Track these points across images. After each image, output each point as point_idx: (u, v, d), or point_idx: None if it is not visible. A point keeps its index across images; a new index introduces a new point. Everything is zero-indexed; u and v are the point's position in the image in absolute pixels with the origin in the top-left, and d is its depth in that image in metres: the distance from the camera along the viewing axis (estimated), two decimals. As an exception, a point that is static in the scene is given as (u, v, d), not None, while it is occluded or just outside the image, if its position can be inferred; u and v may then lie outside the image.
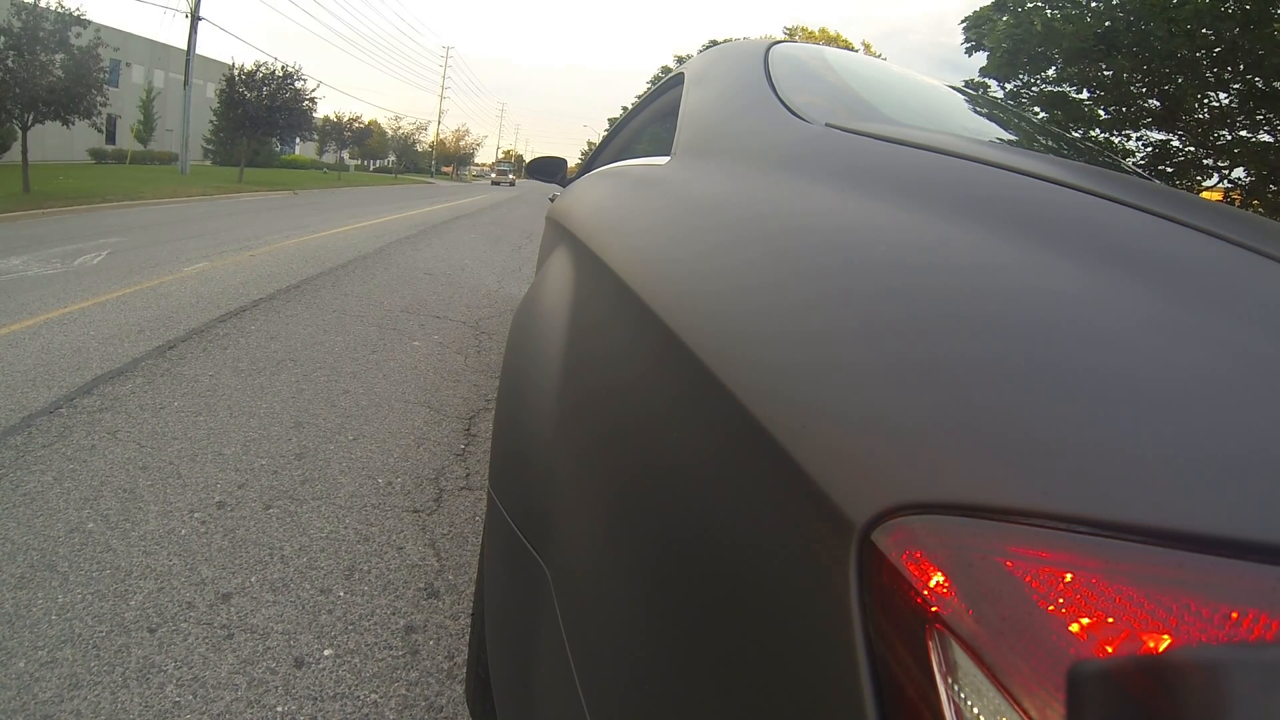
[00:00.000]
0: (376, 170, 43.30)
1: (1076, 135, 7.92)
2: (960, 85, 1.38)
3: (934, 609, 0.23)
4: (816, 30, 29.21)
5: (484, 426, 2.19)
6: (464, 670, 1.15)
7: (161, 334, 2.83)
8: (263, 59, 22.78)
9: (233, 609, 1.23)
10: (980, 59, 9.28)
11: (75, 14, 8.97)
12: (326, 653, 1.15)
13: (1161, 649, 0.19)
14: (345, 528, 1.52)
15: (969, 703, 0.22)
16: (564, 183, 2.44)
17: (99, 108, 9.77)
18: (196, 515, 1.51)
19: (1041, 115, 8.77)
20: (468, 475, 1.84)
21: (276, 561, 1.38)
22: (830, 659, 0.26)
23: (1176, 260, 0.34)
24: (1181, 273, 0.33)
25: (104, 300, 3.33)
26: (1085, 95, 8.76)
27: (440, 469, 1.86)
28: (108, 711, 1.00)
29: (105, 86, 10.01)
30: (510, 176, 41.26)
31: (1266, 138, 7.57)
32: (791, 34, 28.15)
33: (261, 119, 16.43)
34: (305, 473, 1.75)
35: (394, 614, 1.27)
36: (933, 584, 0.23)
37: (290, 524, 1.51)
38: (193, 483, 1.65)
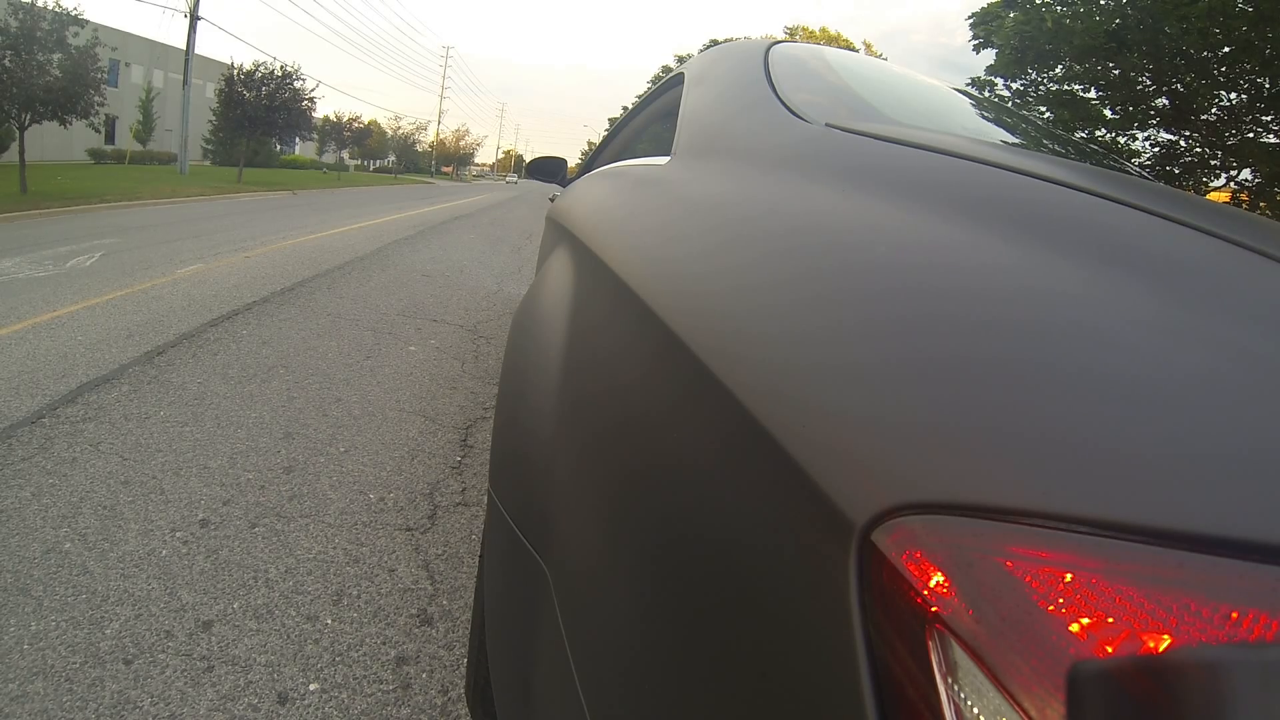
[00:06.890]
0: (376, 170, 43.20)
1: (1080, 136, 7.86)
2: (961, 86, 1.36)
3: (934, 609, 0.22)
4: (817, 30, 29.13)
5: (481, 437, 2.12)
6: (459, 706, 1.08)
7: (151, 339, 2.76)
8: (262, 59, 22.75)
9: (213, 638, 1.16)
10: (984, 57, 9.20)
11: (73, 13, 8.90)
12: (312, 687, 1.08)
13: (1161, 649, 0.19)
14: (334, 548, 1.45)
15: (969, 703, 0.21)
16: (564, 183, 2.41)
17: (97, 108, 9.72)
18: (178, 534, 1.44)
19: (1047, 115, 8.68)
20: (464, 490, 1.77)
21: (261, 585, 1.31)
22: (830, 659, 0.26)
23: (1177, 260, 0.34)
24: (1181, 273, 0.32)
25: (94, 304, 3.27)
26: (1093, 94, 8.66)
27: (435, 483, 1.79)
28: (73, 757, 0.93)
29: (104, 86, 9.95)
30: None
31: (1275, 139, 7.49)
32: (792, 34, 28.09)
33: (261, 119, 16.36)
34: (294, 488, 1.68)
35: (385, 643, 1.20)
36: (933, 584, 0.23)
37: (276, 544, 1.44)
38: (176, 499, 1.58)
